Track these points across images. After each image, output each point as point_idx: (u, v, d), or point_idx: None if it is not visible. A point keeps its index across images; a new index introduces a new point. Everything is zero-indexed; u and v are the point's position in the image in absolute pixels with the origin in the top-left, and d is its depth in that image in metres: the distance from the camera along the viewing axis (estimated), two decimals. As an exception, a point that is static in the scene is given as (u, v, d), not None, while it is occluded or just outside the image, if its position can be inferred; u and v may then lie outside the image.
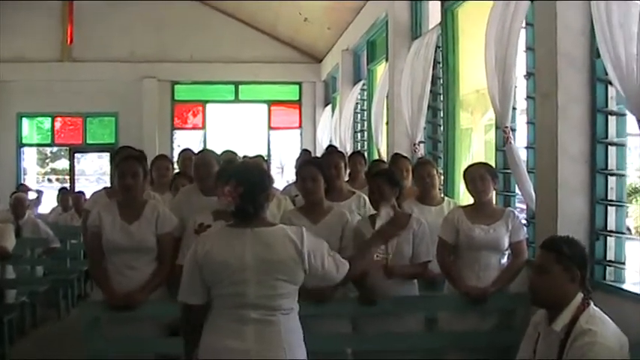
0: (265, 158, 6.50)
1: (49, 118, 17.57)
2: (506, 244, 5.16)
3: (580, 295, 3.53)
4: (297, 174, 5.20)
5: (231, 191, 3.44)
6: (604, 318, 3.48)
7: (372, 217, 5.11)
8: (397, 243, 4.91)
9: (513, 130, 6.15)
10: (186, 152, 7.83)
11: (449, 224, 5.24)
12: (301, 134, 17.84)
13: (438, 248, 5.22)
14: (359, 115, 13.17)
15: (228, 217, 3.64)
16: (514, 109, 6.21)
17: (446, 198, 6.42)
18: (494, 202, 5.40)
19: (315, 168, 5.06)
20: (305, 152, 10.68)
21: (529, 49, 5.88)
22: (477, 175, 5.21)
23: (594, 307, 3.53)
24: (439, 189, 7.25)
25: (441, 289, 5.53)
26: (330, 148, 6.80)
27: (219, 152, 6.50)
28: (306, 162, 5.29)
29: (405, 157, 7.37)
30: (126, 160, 5.13)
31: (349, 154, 8.67)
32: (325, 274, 3.59)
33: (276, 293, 3.46)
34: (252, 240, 3.47)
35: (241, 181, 3.48)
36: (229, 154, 6.62)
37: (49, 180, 19.31)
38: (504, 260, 5.25)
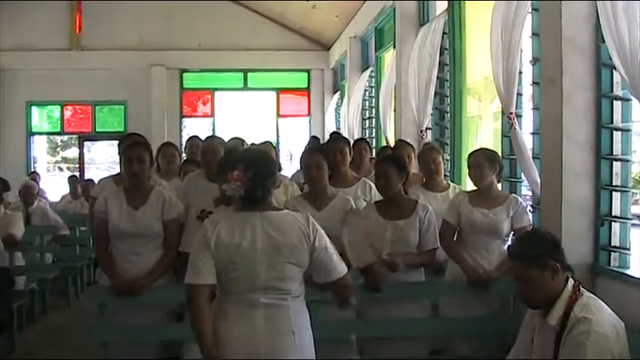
0: (274, 145, 6.49)
1: (59, 107, 17.63)
2: (506, 229, 5.15)
3: (571, 283, 3.50)
4: (301, 161, 5.19)
5: (240, 175, 3.44)
6: (599, 304, 3.45)
7: (378, 203, 5.12)
8: (400, 230, 4.91)
9: (519, 116, 6.14)
10: (193, 139, 7.84)
11: (453, 207, 5.27)
12: (310, 122, 17.84)
13: (441, 230, 5.19)
14: (367, 102, 13.16)
15: (229, 203, 3.65)
16: (520, 95, 6.20)
17: (451, 184, 6.42)
18: (498, 187, 5.37)
19: (319, 155, 5.06)
20: (314, 139, 10.68)
21: (534, 34, 5.86)
22: (473, 162, 5.24)
23: (588, 294, 3.50)
24: (445, 175, 7.26)
25: (443, 276, 5.53)
26: (334, 135, 6.79)
27: (227, 140, 6.53)
28: (309, 149, 5.30)
29: (409, 144, 7.37)
30: (132, 146, 5.15)
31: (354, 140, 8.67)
32: (328, 263, 3.58)
33: (286, 276, 3.48)
34: (262, 223, 3.49)
35: (250, 165, 3.48)
36: (235, 141, 6.62)
37: (60, 168, 19.37)
38: (504, 247, 5.20)
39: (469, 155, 5.41)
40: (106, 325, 4.92)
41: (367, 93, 13.03)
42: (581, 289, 3.51)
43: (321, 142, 10.42)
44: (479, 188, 5.27)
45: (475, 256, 5.13)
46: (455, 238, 5.29)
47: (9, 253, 7.87)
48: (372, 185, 5.67)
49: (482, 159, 5.22)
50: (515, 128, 5.91)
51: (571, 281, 3.51)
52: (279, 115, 17.91)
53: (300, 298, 3.58)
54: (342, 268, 3.62)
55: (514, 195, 5.54)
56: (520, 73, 6.07)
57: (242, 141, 6.74)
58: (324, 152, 5.17)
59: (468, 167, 5.33)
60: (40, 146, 18.32)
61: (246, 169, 3.45)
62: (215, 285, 3.52)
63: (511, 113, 5.94)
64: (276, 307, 3.48)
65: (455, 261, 5.22)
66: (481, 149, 5.56)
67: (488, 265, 5.07)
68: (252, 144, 7.18)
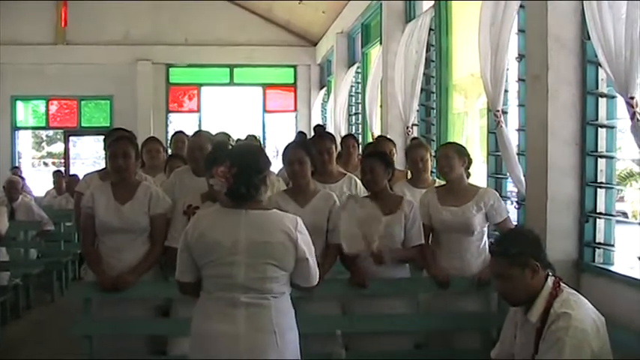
0: (257, 137, 6.47)
1: (44, 102, 17.54)
2: (477, 225, 5.06)
3: (551, 280, 3.52)
4: (283, 157, 5.15)
5: (225, 172, 3.43)
6: (579, 300, 3.46)
7: (365, 198, 5.10)
8: (388, 226, 4.90)
9: (505, 113, 6.15)
10: (178, 135, 7.81)
11: (423, 207, 5.18)
12: (296, 117, 17.83)
13: None
14: (353, 98, 13.16)
15: (215, 199, 3.65)
16: (506, 91, 6.21)
17: (437, 180, 6.39)
18: (467, 182, 5.30)
19: (301, 151, 5.00)
20: (300, 134, 10.65)
21: (520, 31, 5.88)
22: (442, 153, 5.19)
23: (568, 290, 3.51)
24: (431, 172, 7.25)
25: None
26: (318, 129, 6.76)
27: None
28: (292, 145, 5.24)
29: (389, 139, 7.38)
30: (117, 141, 5.11)
31: (342, 136, 8.68)
32: (308, 272, 3.58)
33: (265, 276, 3.45)
34: (246, 221, 3.46)
35: (235, 161, 3.46)
36: (221, 136, 6.60)
37: (45, 164, 19.33)
38: (482, 242, 5.15)
39: (438, 148, 5.40)
40: (90, 320, 4.89)
41: (354, 89, 13.04)
42: (562, 285, 3.52)
43: (308, 137, 10.42)
44: (447, 183, 5.21)
45: (451, 256, 5.10)
46: (431, 238, 5.25)
47: (-7, 248, 7.84)
48: (358, 181, 5.65)
49: (450, 150, 5.19)
50: (501, 125, 5.92)
51: (551, 278, 3.53)
52: (265, 111, 17.88)
53: (283, 297, 3.55)
54: (317, 275, 3.64)
55: (486, 188, 5.48)
56: (506, 70, 6.07)
57: (228, 136, 6.72)
58: (306, 148, 5.13)
59: (436, 160, 5.31)
60: (25, 141, 18.24)
61: (231, 166, 3.44)
62: (199, 282, 3.54)
63: (498, 110, 5.94)
64: (257, 307, 3.45)
65: (423, 263, 5.16)
66: (449, 142, 5.56)
67: (465, 266, 5.05)
68: (238, 139, 7.16)
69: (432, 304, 5.18)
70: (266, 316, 3.45)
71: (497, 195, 5.25)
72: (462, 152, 5.20)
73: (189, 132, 6.93)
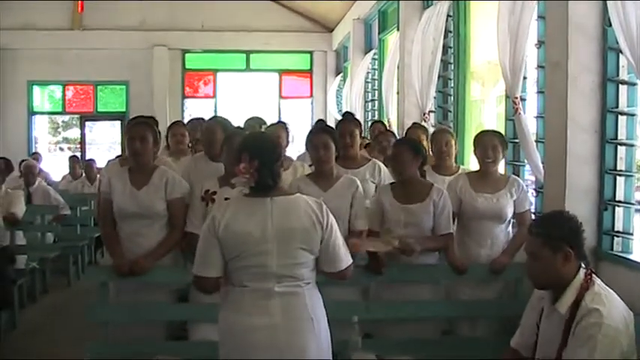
0: (287, 126, 6.42)
1: (60, 87, 17.59)
2: (510, 213, 5.11)
3: (582, 272, 3.43)
4: (308, 141, 5.12)
5: (247, 167, 3.39)
6: (610, 295, 3.38)
7: (393, 184, 5.08)
8: (413, 215, 4.87)
9: (523, 100, 6.11)
10: (196, 121, 7.85)
11: (451, 193, 5.14)
12: (312, 103, 17.80)
13: None
14: (370, 85, 13.13)
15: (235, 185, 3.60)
16: (524, 78, 6.16)
17: (461, 167, 6.36)
18: (501, 171, 5.33)
19: (326, 135, 4.97)
20: (320, 122, 10.62)
21: (540, 17, 5.82)
22: (489, 143, 5.14)
23: (599, 284, 3.43)
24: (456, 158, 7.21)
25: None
26: (347, 115, 6.72)
27: (245, 120, 6.52)
28: (317, 129, 5.21)
29: (421, 126, 7.33)
30: (135, 125, 5.12)
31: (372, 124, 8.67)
32: (335, 255, 3.54)
33: (297, 262, 3.43)
34: (272, 209, 3.43)
35: (254, 154, 3.42)
36: (254, 121, 6.50)
37: (61, 149, 19.33)
38: (509, 229, 5.22)
39: (480, 134, 5.31)
40: (106, 305, 4.90)
41: (370, 75, 13.00)
42: (594, 277, 3.44)
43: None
44: (481, 170, 5.21)
45: (476, 242, 5.11)
46: (456, 225, 5.23)
47: (10, 231, 7.87)
48: (382, 167, 5.63)
49: (497, 141, 5.15)
50: (519, 112, 5.88)
51: (583, 270, 3.44)
52: (281, 97, 17.87)
53: (312, 284, 3.53)
54: (347, 259, 3.59)
55: (514, 177, 5.48)
56: (525, 56, 6.02)
57: (261, 121, 6.62)
58: (331, 133, 5.11)
59: (478, 147, 5.21)
60: (41, 126, 18.30)
61: (251, 160, 3.39)
62: (222, 276, 3.48)
63: (516, 97, 5.90)
64: (291, 295, 3.43)
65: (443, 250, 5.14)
66: (493, 130, 5.51)
67: (495, 253, 5.05)
68: (272, 125, 6.96)
69: (455, 291, 5.16)
70: (301, 304, 3.44)
71: (525, 186, 5.25)
72: (504, 142, 5.21)
73: (206, 117, 6.91)
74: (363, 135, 6.50)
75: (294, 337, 3.41)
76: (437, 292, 5.13)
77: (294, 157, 6.69)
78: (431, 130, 7.40)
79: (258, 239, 3.38)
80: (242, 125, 6.04)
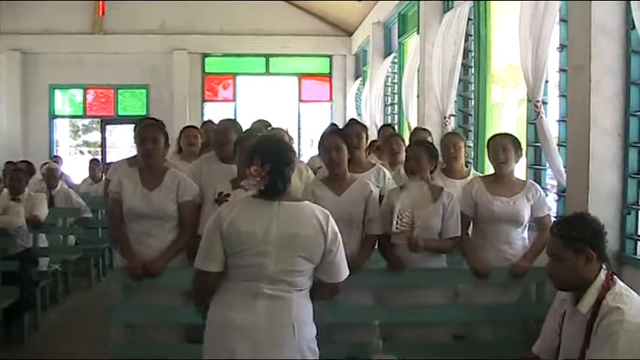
0: (286, 130, 6.45)
1: (81, 90, 17.68)
2: (526, 217, 5.09)
3: (604, 272, 3.43)
4: (320, 144, 5.13)
5: (259, 170, 3.39)
6: (631, 295, 3.38)
7: (403, 187, 5.08)
8: (426, 216, 4.88)
9: (545, 103, 6.09)
10: (207, 124, 7.96)
11: (467, 196, 5.17)
12: (332, 107, 17.79)
13: None
14: (389, 89, 13.11)
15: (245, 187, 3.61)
16: (546, 82, 6.14)
17: (472, 171, 6.34)
18: (517, 175, 5.29)
19: (338, 137, 4.99)
20: (333, 126, 10.63)
21: (562, 20, 5.80)
22: (499, 145, 5.14)
23: (620, 284, 3.43)
24: (469, 162, 7.19)
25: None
26: (352, 120, 6.76)
27: (249, 124, 6.55)
28: (329, 132, 5.22)
29: (425, 129, 7.33)
30: (147, 127, 5.17)
31: (381, 127, 8.67)
32: (335, 267, 3.53)
33: (294, 269, 3.43)
34: (279, 213, 3.43)
35: (266, 158, 3.42)
36: (259, 124, 6.59)
37: (81, 152, 19.43)
38: (525, 234, 5.19)
39: (491, 138, 5.33)
40: (128, 306, 4.93)
41: (389, 79, 12.99)
42: (615, 278, 3.44)
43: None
44: (496, 173, 5.20)
45: (492, 246, 5.10)
46: (471, 228, 5.24)
47: (33, 234, 7.93)
48: (387, 172, 5.65)
49: (508, 142, 5.15)
50: (541, 116, 5.86)
51: (604, 271, 3.44)
52: (300, 101, 17.88)
53: (304, 291, 3.52)
54: (344, 273, 3.58)
55: (532, 182, 5.45)
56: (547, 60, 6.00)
57: (267, 123, 6.69)
58: (343, 135, 5.11)
59: (490, 151, 5.23)
60: (62, 130, 18.42)
61: (263, 164, 3.40)
62: (222, 272, 3.48)
63: (538, 101, 5.88)
64: (278, 299, 3.42)
65: (463, 253, 5.16)
66: (504, 133, 5.49)
67: (511, 257, 5.05)
68: (273, 129, 7.08)
69: (470, 294, 5.16)
70: (286, 309, 3.43)
71: (542, 191, 5.24)
72: (517, 144, 5.18)
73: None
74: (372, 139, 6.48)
75: (273, 339, 3.40)
76: (447, 296, 5.14)
77: (305, 160, 6.70)
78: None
79: (260, 240, 3.39)
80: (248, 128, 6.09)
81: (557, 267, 3.48)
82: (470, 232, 5.26)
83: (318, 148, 5.20)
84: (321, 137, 5.15)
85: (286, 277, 3.42)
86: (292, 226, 3.42)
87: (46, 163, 11.18)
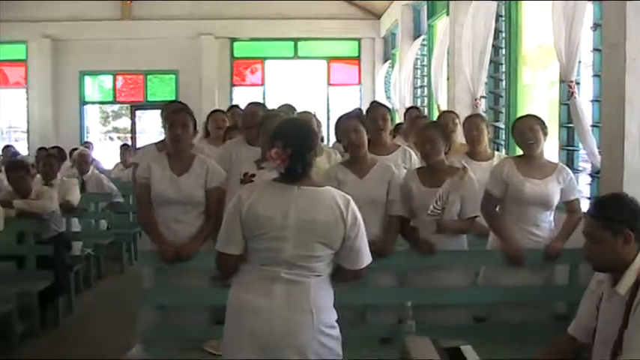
0: (314, 114, 6.46)
1: (111, 76, 17.80)
2: (556, 200, 5.01)
3: None
4: (336, 130, 5.13)
5: (280, 153, 3.36)
6: None
7: (420, 169, 5.07)
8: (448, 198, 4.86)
9: (578, 83, 6.02)
10: (234, 108, 8.07)
11: (497, 177, 5.09)
12: (360, 90, 17.72)
13: (483, 200, 5.08)
14: (419, 71, 13.05)
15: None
16: (579, 62, 6.07)
17: (496, 153, 6.29)
18: (548, 156, 5.22)
19: (354, 119, 4.97)
20: (357, 110, 10.60)
21: (596, -1, 5.73)
22: (526, 126, 5.02)
23: None
24: (499, 144, 7.13)
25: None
26: (376, 102, 6.75)
27: (277, 107, 6.57)
28: (344, 116, 5.20)
29: (452, 112, 7.31)
30: (176, 112, 5.14)
31: (407, 110, 8.63)
32: (356, 253, 3.49)
33: (312, 255, 3.39)
34: (298, 198, 3.40)
35: (288, 141, 3.38)
36: (285, 107, 6.60)
37: (110, 138, 19.62)
38: (551, 217, 5.11)
39: (516, 121, 5.23)
40: (162, 288, 4.96)
41: (419, 61, 12.92)
42: None
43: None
44: (525, 155, 5.11)
45: (521, 228, 5.03)
46: (498, 209, 5.18)
47: (65, 219, 8.02)
48: (413, 153, 5.62)
49: (534, 122, 5.04)
50: (574, 96, 5.79)
51: None
52: (329, 84, 17.84)
53: (323, 277, 3.48)
54: (366, 260, 3.53)
55: (562, 165, 5.35)
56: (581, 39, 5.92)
57: (292, 108, 6.71)
58: (359, 116, 5.09)
59: (516, 133, 5.09)
60: (92, 116, 18.56)
61: (285, 147, 3.36)
62: (242, 255, 3.47)
63: (571, 81, 5.81)
64: (296, 284, 3.39)
65: (497, 235, 5.12)
66: (529, 115, 5.41)
67: (540, 239, 4.99)
68: (301, 113, 7.10)
69: (496, 276, 5.12)
70: (304, 295, 3.39)
71: (571, 174, 5.16)
72: (543, 125, 5.08)
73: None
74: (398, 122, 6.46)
75: (290, 325, 3.37)
76: (469, 277, 5.12)
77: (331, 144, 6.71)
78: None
79: (278, 225, 3.36)
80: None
81: (594, 248, 3.44)
82: None
83: (335, 134, 5.18)
84: (337, 123, 5.14)
85: (304, 263, 3.39)
86: (311, 212, 3.38)
87: (77, 149, 11.27)
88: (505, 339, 4.80)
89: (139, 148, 12.69)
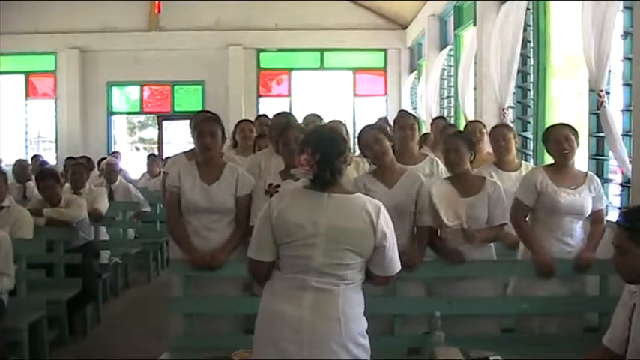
0: (343, 123, 6.48)
1: (138, 87, 17.93)
2: (590, 209, 4.97)
3: None
4: (360, 143, 5.14)
5: (308, 159, 3.36)
6: None
7: (448, 179, 5.06)
8: (471, 207, 4.85)
9: (607, 93, 5.97)
10: (261, 118, 8.13)
11: (530, 186, 5.05)
12: (387, 101, 17.70)
13: (513, 210, 5.06)
14: (445, 82, 13.01)
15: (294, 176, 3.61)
16: (609, 71, 6.02)
17: (523, 163, 6.26)
18: (578, 166, 5.19)
19: (375, 130, 4.99)
20: (383, 119, 10.58)
21: (626, 8, 5.68)
22: (561, 135, 4.98)
23: None
24: (522, 153, 7.09)
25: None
26: (403, 111, 6.74)
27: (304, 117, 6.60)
28: (364, 128, 5.22)
29: (479, 122, 7.30)
30: (205, 121, 5.17)
31: (434, 120, 8.62)
32: (387, 260, 3.47)
33: (342, 263, 3.37)
34: (328, 205, 3.39)
35: (317, 148, 3.38)
36: (311, 117, 6.64)
37: (137, 148, 19.71)
38: (583, 226, 5.07)
39: (549, 129, 5.18)
40: (190, 296, 4.98)
41: (445, 72, 12.89)
42: None
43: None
44: (557, 164, 5.06)
45: (554, 238, 5.00)
46: (529, 219, 5.14)
47: (94, 227, 8.07)
48: (440, 163, 5.60)
49: (569, 132, 5.00)
50: (604, 106, 5.74)
51: None
52: (355, 95, 17.83)
53: (354, 285, 3.45)
54: (396, 267, 3.52)
55: (591, 173, 5.31)
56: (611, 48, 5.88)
57: (319, 118, 6.74)
58: (379, 128, 5.10)
59: (550, 142, 5.04)
60: (119, 126, 18.69)
61: (313, 153, 3.36)
62: (274, 262, 3.48)
63: (601, 90, 5.77)
64: (325, 292, 3.37)
65: (526, 245, 5.09)
66: (562, 123, 5.36)
67: (573, 249, 4.96)
68: (330, 122, 7.15)
69: (527, 286, 5.08)
70: (333, 303, 3.37)
71: (600, 183, 5.12)
72: (577, 134, 5.05)
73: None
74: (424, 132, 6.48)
75: (318, 333, 3.35)
76: (498, 287, 5.09)
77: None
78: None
79: (308, 232, 3.35)
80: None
81: (623, 259, 3.39)
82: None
83: (360, 147, 5.20)
84: (359, 137, 5.16)
85: (334, 270, 3.37)
86: (341, 219, 3.37)
87: (104, 159, 11.36)
88: (535, 350, 4.76)
89: (166, 159, 12.78)
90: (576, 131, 5.09)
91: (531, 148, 8.31)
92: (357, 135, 5.22)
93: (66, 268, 6.96)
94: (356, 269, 3.43)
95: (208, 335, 4.94)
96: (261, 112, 16.32)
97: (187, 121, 6.37)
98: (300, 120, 6.52)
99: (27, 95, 17.70)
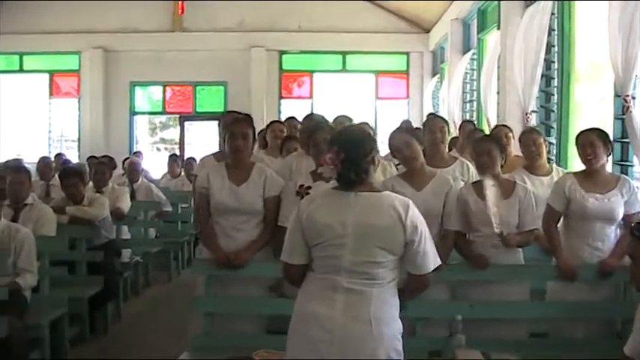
0: (370, 126, 6.48)
1: (160, 87, 18.02)
2: (621, 214, 4.93)
3: None
4: (390, 144, 5.13)
5: (333, 158, 3.38)
6: None
7: (476, 183, 5.03)
8: (503, 211, 4.80)
9: (634, 98, 5.93)
10: (291, 120, 8.11)
11: (559, 192, 5.04)
12: (409, 105, 17.68)
13: (545, 215, 5.06)
14: (468, 86, 12.97)
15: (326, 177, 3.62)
16: (635, 76, 5.97)
17: (554, 167, 6.24)
18: (607, 169, 5.16)
19: (406, 134, 4.99)
20: (406, 122, 10.54)
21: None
22: (586, 141, 4.97)
23: None
24: (549, 159, 7.03)
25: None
26: (432, 115, 6.72)
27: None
28: (395, 131, 5.22)
29: (506, 126, 7.27)
30: (237, 122, 5.15)
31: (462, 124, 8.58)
32: (420, 257, 3.43)
33: (374, 261, 3.36)
34: (355, 204, 3.40)
35: (342, 147, 3.40)
36: (342, 118, 6.64)
37: (158, 149, 19.78)
38: (617, 230, 5.02)
39: (579, 134, 5.19)
40: (212, 296, 4.99)
41: (468, 76, 12.85)
42: None
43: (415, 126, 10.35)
44: (587, 169, 5.05)
45: (585, 244, 4.96)
46: (563, 225, 5.11)
47: (116, 226, 8.11)
48: (471, 166, 5.57)
49: (595, 137, 4.97)
50: (630, 111, 5.70)
51: None
52: (377, 98, 17.82)
53: (388, 285, 3.42)
54: (432, 263, 3.47)
55: (625, 176, 5.28)
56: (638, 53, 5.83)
57: (349, 119, 6.74)
58: (408, 130, 5.10)
59: (578, 147, 5.06)
60: (141, 126, 18.78)
61: (338, 152, 3.38)
62: (307, 264, 3.49)
63: (627, 95, 5.72)
64: (357, 293, 3.36)
65: (552, 250, 5.08)
66: (592, 128, 5.34)
67: (604, 255, 4.91)
68: (359, 124, 7.15)
69: (559, 291, 5.05)
70: (364, 305, 3.36)
71: (635, 187, 5.07)
72: (606, 139, 5.01)
73: (301, 118, 7.08)
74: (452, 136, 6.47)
75: (349, 335, 3.34)
76: (524, 291, 5.03)
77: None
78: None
79: (337, 232, 3.36)
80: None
81: (636, 269, 3.37)
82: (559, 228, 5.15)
83: (390, 151, 5.19)
84: (389, 140, 5.15)
85: (364, 269, 3.36)
86: (369, 217, 3.37)
87: (128, 158, 11.41)
88: (559, 355, 4.73)
89: (188, 159, 12.84)
90: (607, 136, 5.05)
91: (554, 153, 8.25)
92: (388, 139, 5.19)
93: (88, 266, 7.01)
94: (387, 267, 3.41)
95: (229, 335, 4.94)
96: (283, 114, 16.45)
97: (209, 122, 6.40)
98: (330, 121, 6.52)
99: (50, 94, 17.86)
